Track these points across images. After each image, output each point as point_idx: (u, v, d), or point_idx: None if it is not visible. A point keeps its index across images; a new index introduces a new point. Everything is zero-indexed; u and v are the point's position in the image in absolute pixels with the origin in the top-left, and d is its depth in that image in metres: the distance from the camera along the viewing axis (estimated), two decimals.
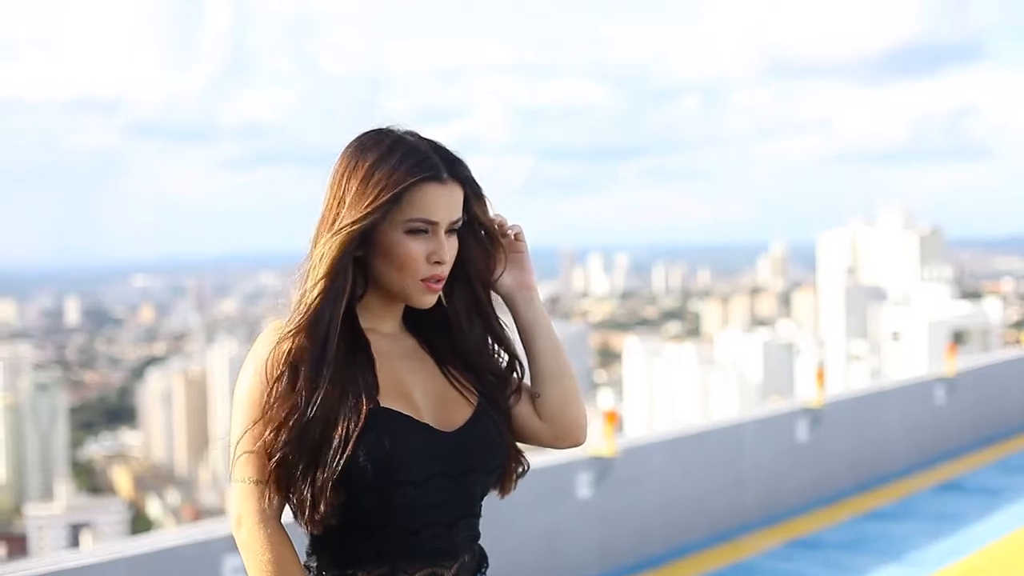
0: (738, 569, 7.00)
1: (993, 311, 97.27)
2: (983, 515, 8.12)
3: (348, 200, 1.87)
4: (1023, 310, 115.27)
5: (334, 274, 1.85)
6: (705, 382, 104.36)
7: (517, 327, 2.04)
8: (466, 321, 2.01)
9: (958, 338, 78.63)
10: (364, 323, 1.94)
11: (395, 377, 1.92)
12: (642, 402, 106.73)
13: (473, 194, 1.95)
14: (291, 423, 1.80)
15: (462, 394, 1.96)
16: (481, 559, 1.99)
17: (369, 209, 1.85)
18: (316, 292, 1.85)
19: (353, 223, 1.85)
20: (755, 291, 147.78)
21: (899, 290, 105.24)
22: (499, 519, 5.57)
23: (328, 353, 1.84)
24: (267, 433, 1.82)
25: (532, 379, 2.04)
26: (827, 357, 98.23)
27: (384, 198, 1.85)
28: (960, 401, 10.35)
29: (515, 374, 2.04)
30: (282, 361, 1.84)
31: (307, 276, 1.88)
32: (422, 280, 1.90)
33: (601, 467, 6.75)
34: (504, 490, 2.02)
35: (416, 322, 2.02)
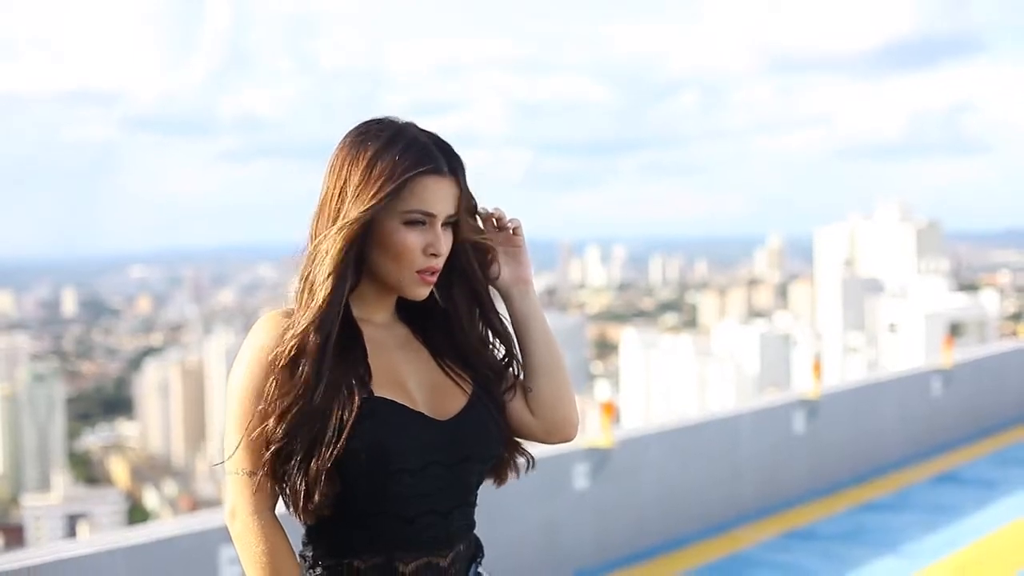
0: (735, 560, 7.00)
1: (990, 303, 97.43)
2: (979, 507, 8.13)
3: (350, 190, 1.86)
4: (1020, 302, 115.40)
5: (341, 269, 1.85)
6: (702, 374, 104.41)
7: (512, 321, 2.04)
8: (464, 315, 2.01)
9: (955, 330, 78.72)
10: (357, 313, 1.94)
11: (389, 367, 1.92)
12: (639, 393, 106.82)
13: (465, 194, 1.94)
14: (293, 413, 1.80)
15: (456, 383, 1.96)
16: (477, 549, 1.99)
17: (373, 201, 1.84)
18: (328, 288, 1.84)
19: (357, 216, 1.84)
20: (752, 283, 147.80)
21: (896, 282, 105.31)
22: (496, 510, 5.57)
23: (330, 346, 1.84)
24: (269, 423, 1.81)
25: (525, 373, 2.04)
26: (824, 349, 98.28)
27: (388, 189, 1.85)
28: (957, 393, 10.36)
29: (511, 369, 2.04)
30: (289, 354, 1.83)
31: (312, 269, 1.87)
32: (417, 272, 1.90)
33: (598, 458, 6.75)
34: (500, 479, 2.03)
35: (408, 312, 2.02)
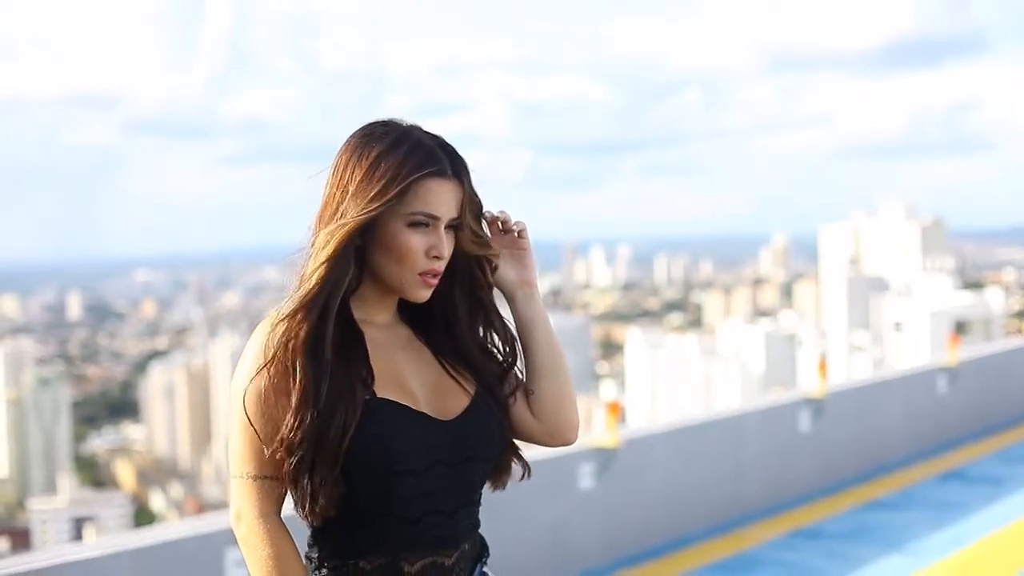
0: (741, 559, 7.00)
1: (995, 301, 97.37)
2: (985, 504, 8.12)
3: (352, 190, 1.86)
4: None
5: (334, 262, 1.85)
6: (707, 373, 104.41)
7: (516, 323, 2.04)
8: (466, 317, 2.01)
9: (960, 328, 78.66)
10: (358, 314, 1.93)
11: (391, 367, 1.92)
12: (644, 393, 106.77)
13: (469, 197, 1.95)
14: (301, 418, 1.80)
15: (459, 383, 1.97)
16: (482, 548, 1.99)
17: (378, 202, 1.84)
18: (315, 278, 1.84)
19: (360, 214, 1.85)
20: (757, 282, 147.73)
21: (901, 280, 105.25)
22: (502, 510, 5.57)
23: (326, 342, 1.84)
24: (283, 429, 1.81)
25: (528, 376, 2.04)
26: (829, 348, 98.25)
27: (393, 191, 1.84)
28: (962, 391, 10.35)
29: (513, 371, 2.04)
30: (279, 345, 1.83)
31: (307, 263, 1.88)
32: (419, 274, 1.90)
33: (603, 458, 6.75)
34: (498, 484, 2.02)
35: (411, 313, 2.02)
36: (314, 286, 1.84)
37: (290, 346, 1.83)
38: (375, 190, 1.85)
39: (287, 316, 1.84)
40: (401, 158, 1.86)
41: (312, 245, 1.88)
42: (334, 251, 1.85)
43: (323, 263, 1.84)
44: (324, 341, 1.83)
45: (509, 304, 2.05)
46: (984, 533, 7.41)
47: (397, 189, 1.85)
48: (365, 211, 1.84)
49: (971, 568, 6.75)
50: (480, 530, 1.98)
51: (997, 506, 8.09)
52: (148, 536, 4.90)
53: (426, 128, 1.94)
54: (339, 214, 1.86)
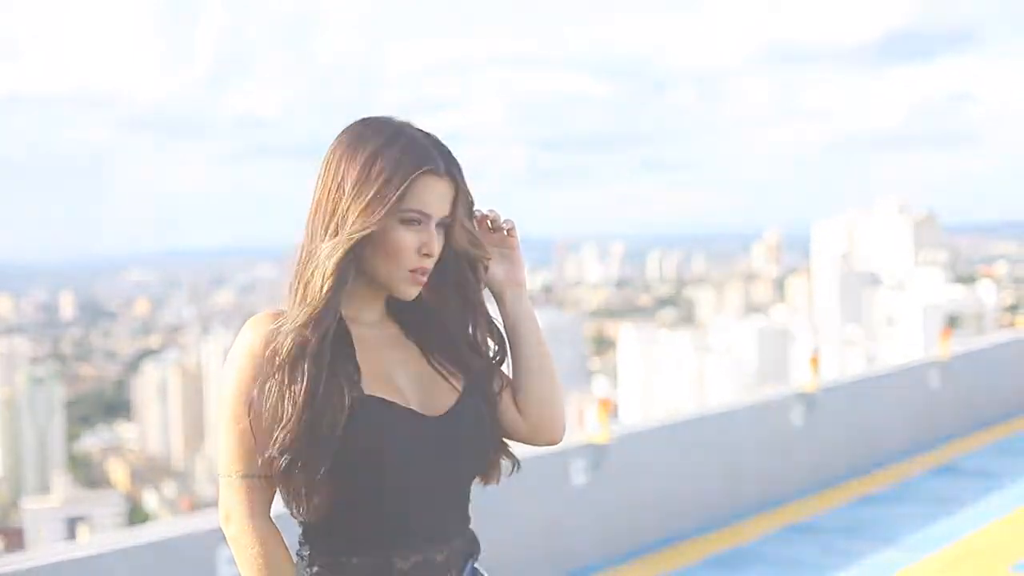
0: (735, 554, 7.01)
1: (987, 295, 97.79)
2: (979, 497, 8.14)
3: (348, 187, 1.85)
4: (1017, 293, 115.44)
5: (341, 271, 1.84)
6: (700, 369, 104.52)
7: (504, 322, 2.04)
8: (455, 314, 2.01)
9: (953, 322, 78.86)
10: (346, 311, 1.92)
11: (379, 365, 1.92)
12: (637, 389, 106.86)
13: (462, 196, 1.94)
14: (299, 419, 1.79)
15: (447, 379, 1.96)
16: (473, 544, 1.98)
17: (379, 207, 1.83)
18: (327, 289, 1.83)
19: (364, 224, 1.83)
20: (749, 278, 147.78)
21: (894, 275, 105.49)
22: (494, 506, 5.56)
23: (327, 346, 1.83)
24: (276, 430, 1.80)
25: (515, 374, 2.03)
26: (822, 343, 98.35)
27: (392, 193, 1.83)
28: (955, 385, 10.36)
29: (501, 368, 2.04)
30: (285, 354, 1.82)
31: (310, 269, 1.86)
32: (409, 271, 1.90)
33: (596, 454, 6.75)
34: (488, 479, 2.02)
35: (400, 310, 2.01)
36: (325, 297, 1.83)
37: (297, 352, 1.82)
38: (373, 190, 1.84)
39: (300, 326, 1.83)
40: (397, 155, 1.85)
41: (310, 244, 1.88)
42: (339, 262, 1.84)
43: (331, 275, 1.83)
44: (324, 348, 1.83)
45: (497, 303, 2.04)
46: (978, 526, 7.43)
47: (397, 192, 1.84)
48: (369, 222, 1.83)
49: (965, 561, 6.76)
50: (472, 526, 1.98)
51: (990, 499, 8.12)
52: (142, 535, 4.90)
53: (418, 126, 1.94)
54: (338, 214, 1.85)
